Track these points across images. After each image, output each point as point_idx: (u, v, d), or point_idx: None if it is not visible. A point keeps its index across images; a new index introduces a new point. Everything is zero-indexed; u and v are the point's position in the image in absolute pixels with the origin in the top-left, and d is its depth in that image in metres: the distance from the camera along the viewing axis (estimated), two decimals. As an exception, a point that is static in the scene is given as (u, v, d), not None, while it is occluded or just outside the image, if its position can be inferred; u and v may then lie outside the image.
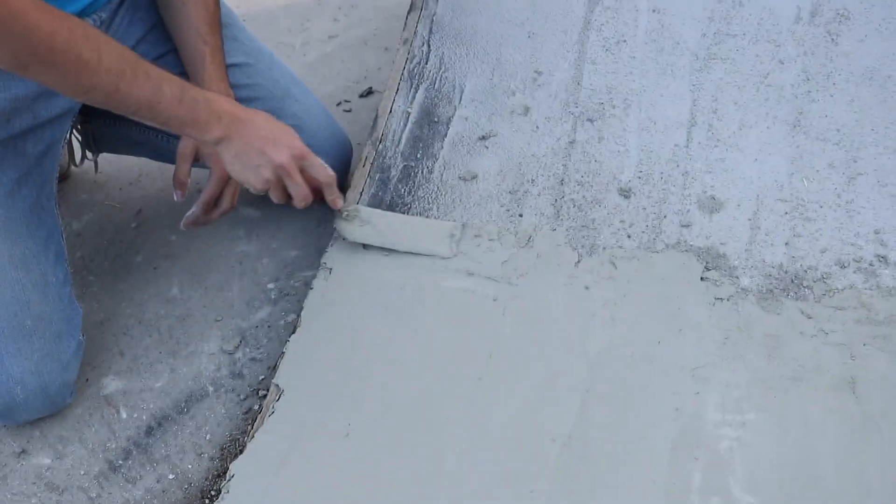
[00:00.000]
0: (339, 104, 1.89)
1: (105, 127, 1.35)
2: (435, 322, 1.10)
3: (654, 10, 1.43)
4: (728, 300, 1.09)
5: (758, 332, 1.05)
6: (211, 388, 1.22)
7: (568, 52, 1.41)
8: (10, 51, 0.82)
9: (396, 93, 1.40)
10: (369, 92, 1.93)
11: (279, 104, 1.23)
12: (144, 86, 0.92)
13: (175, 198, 1.19)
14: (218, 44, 1.16)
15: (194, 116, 0.98)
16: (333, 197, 1.13)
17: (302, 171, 1.08)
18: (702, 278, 1.12)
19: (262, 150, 1.03)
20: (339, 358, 1.09)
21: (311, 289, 1.18)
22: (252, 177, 1.05)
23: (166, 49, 1.23)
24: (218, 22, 1.18)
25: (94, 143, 1.42)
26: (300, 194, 1.08)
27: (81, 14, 1.09)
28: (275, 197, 1.09)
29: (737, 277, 1.12)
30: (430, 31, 1.47)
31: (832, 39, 1.36)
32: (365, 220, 1.18)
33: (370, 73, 2.02)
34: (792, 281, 1.11)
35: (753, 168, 1.24)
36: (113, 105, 0.94)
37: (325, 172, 1.10)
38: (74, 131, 1.36)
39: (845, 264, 1.12)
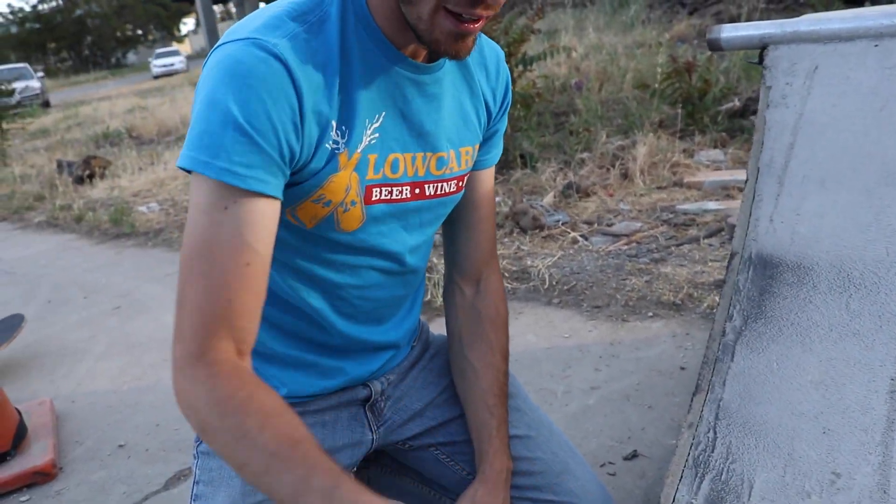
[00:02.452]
0: (602, 465, 1.85)
1: (381, 475, 1.37)
2: None
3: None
4: None
5: None
6: None
7: (870, 455, 1.27)
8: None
9: (680, 480, 1.31)
10: (634, 455, 1.87)
11: (556, 480, 1.19)
12: (295, 471, 0.84)
13: None
14: (504, 416, 1.16)
15: None
16: None
17: None
18: None
19: None
20: None
21: None
22: None
23: (455, 414, 1.23)
24: (506, 393, 1.18)
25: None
26: None
27: (371, 376, 1.16)
28: None
29: None
30: (717, 418, 1.40)
31: None
32: None
33: (634, 434, 1.96)
34: None
35: None
36: (263, 488, 0.86)
37: None
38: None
39: None
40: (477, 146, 1.11)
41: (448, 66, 1.01)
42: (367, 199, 0.97)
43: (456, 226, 1.20)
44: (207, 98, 0.83)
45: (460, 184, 1.10)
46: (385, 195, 0.99)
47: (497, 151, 1.18)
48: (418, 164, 1.01)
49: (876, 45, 1.48)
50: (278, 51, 0.83)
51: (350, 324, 1.10)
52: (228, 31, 0.89)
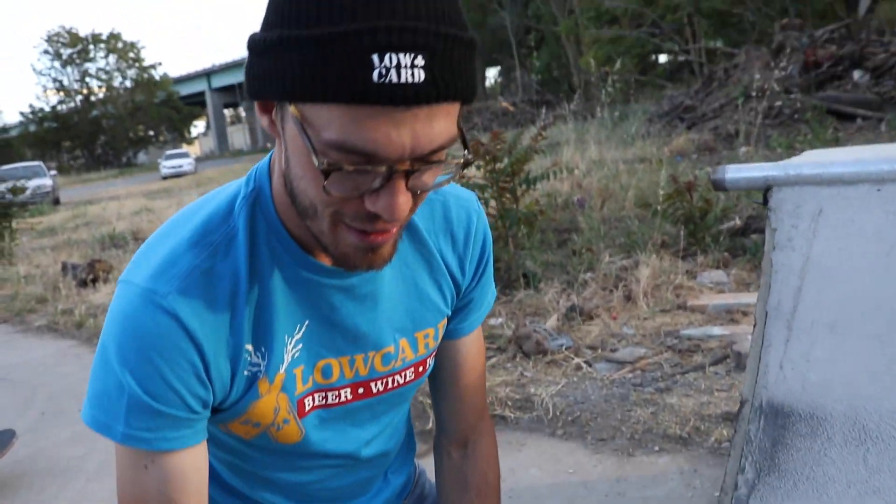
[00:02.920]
0: None
1: None
2: None
3: None
4: None
5: None
6: None
7: None
8: None
9: None
10: None
11: None
12: None
13: None
14: None
15: None
16: None
17: None
18: None
19: None
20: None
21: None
22: None
23: None
24: None
25: None
26: None
27: None
28: None
29: None
30: None
31: None
32: None
33: None
34: None
35: None
36: None
37: None
38: None
39: None
40: (442, 323, 1.01)
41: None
42: (301, 412, 0.91)
43: (437, 393, 1.12)
44: (103, 355, 0.80)
45: (422, 368, 1.01)
46: (319, 401, 0.92)
47: (479, 313, 1.07)
48: (359, 365, 0.93)
49: (878, 190, 1.49)
50: (169, 304, 0.77)
51: None
52: (133, 260, 0.84)
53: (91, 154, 54.66)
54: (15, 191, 9.60)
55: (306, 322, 0.87)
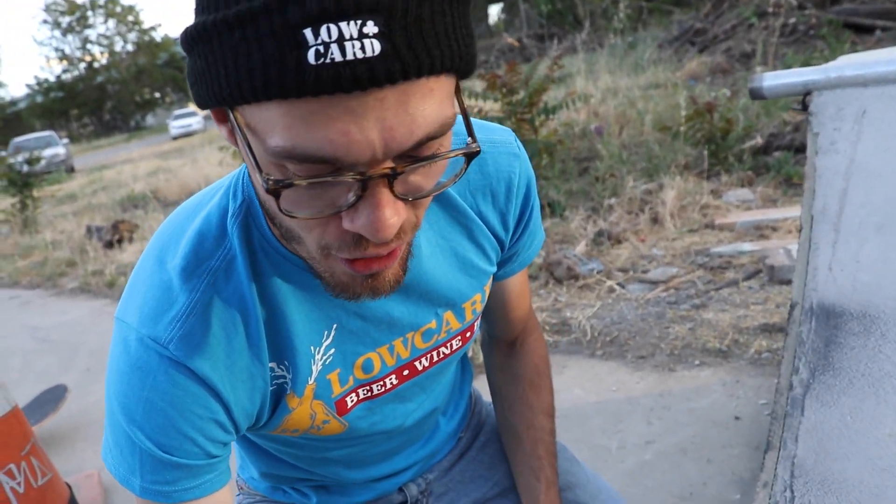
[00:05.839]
0: (668, 527, 1.81)
1: None
2: None
3: None
4: None
5: None
6: None
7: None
8: None
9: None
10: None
11: None
12: None
13: None
14: (552, 478, 1.05)
15: None
16: None
17: None
18: None
19: None
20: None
21: None
22: None
23: None
24: (553, 453, 1.07)
25: None
26: None
27: (404, 483, 1.09)
28: None
29: None
30: (792, 476, 1.33)
31: None
32: None
33: (696, 490, 1.93)
34: None
35: None
36: None
37: None
38: None
39: None
40: (489, 283, 0.94)
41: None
42: (342, 411, 0.86)
43: (484, 319, 1.09)
44: (110, 407, 0.75)
45: (469, 334, 0.94)
46: (364, 394, 0.87)
47: (528, 254, 0.98)
48: (399, 350, 0.86)
49: (925, 87, 1.47)
50: (173, 353, 0.71)
51: (367, 470, 1.03)
52: (128, 290, 0.77)
53: (99, 120, 54.63)
54: (31, 161, 9.62)
55: (334, 326, 0.80)
